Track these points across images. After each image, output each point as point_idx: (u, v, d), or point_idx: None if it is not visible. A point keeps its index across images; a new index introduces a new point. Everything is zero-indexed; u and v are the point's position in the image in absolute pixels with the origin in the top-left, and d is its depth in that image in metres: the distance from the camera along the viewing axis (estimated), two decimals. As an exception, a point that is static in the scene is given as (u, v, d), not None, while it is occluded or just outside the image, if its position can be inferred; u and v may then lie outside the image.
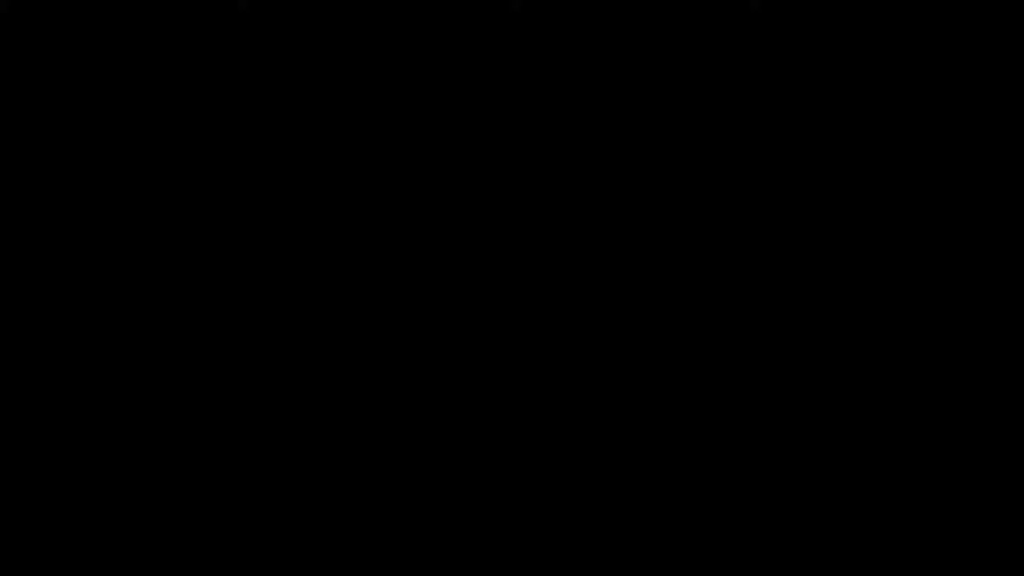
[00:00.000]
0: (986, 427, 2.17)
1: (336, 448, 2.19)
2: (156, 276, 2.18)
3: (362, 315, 2.20)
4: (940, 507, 2.17)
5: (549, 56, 2.20)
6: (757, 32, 2.20)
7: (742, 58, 2.20)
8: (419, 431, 2.19)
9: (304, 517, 2.18)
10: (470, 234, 2.21)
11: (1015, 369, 2.17)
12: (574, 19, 2.20)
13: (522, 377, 2.20)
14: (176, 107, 2.19)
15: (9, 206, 2.18)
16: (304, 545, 2.17)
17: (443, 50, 2.21)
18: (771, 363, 2.20)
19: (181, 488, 2.18)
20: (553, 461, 2.19)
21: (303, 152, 2.20)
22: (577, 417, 2.20)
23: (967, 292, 2.18)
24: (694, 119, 2.20)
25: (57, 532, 2.16)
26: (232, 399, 2.18)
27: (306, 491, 2.18)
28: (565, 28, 2.20)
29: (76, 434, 2.17)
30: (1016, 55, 2.19)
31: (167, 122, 2.19)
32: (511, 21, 2.20)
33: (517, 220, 2.20)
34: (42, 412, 2.17)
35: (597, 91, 2.20)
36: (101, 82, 2.19)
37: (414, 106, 2.20)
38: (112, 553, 2.17)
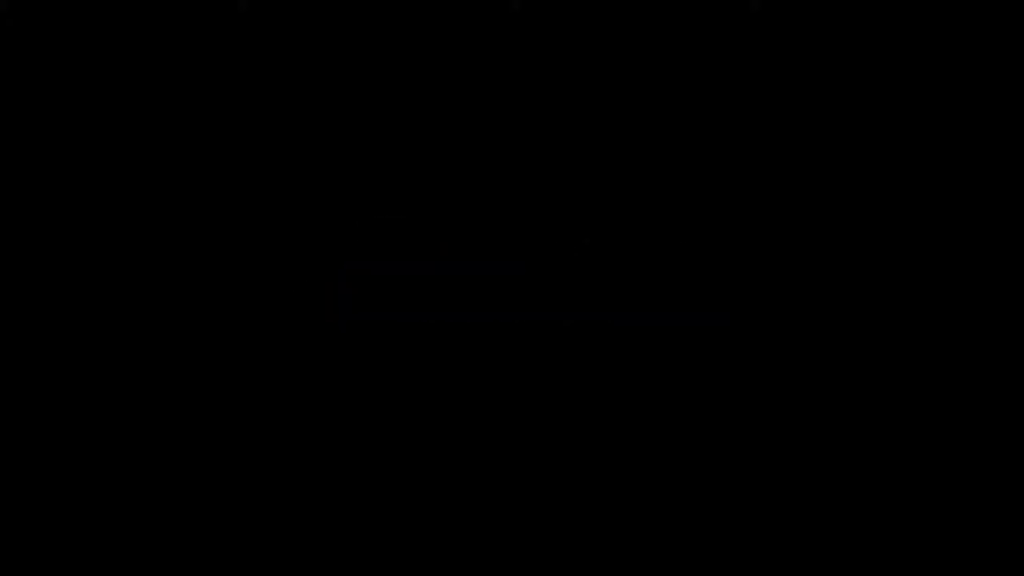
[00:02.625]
0: (986, 427, 2.18)
1: (334, 448, 2.20)
2: (156, 275, 2.18)
3: (361, 312, 2.20)
4: (939, 507, 2.17)
5: (549, 56, 2.21)
6: (757, 32, 2.20)
7: (742, 58, 2.20)
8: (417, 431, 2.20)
9: (301, 517, 2.18)
10: (470, 232, 2.21)
11: (1014, 368, 2.18)
12: (574, 19, 2.21)
13: (520, 374, 2.21)
14: (176, 106, 2.19)
15: (9, 205, 2.18)
16: (303, 544, 2.18)
17: (443, 50, 2.21)
18: (771, 360, 2.20)
19: (180, 487, 2.18)
20: (551, 459, 2.20)
21: (303, 151, 2.20)
22: (575, 413, 2.20)
23: (966, 292, 2.18)
24: (694, 118, 2.20)
25: (57, 531, 2.17)
26: (231, 397, 2.19)
27: (304, 490, 2.19)
28: (565, 28, 2.21)
29: (75, 433, 2.18)
30: (1016, 55, 2.19)
31: (167, 121, 2.19)
32: (511, 21, 2.21)
33: (516, 218, 2.21)
34: (42, 411, 2.18)
35: (597, 91, 2.20)
36: (101, 82, 2.19)
37: (414, 106, 2.21)
38: (112, 552, 2.17)
